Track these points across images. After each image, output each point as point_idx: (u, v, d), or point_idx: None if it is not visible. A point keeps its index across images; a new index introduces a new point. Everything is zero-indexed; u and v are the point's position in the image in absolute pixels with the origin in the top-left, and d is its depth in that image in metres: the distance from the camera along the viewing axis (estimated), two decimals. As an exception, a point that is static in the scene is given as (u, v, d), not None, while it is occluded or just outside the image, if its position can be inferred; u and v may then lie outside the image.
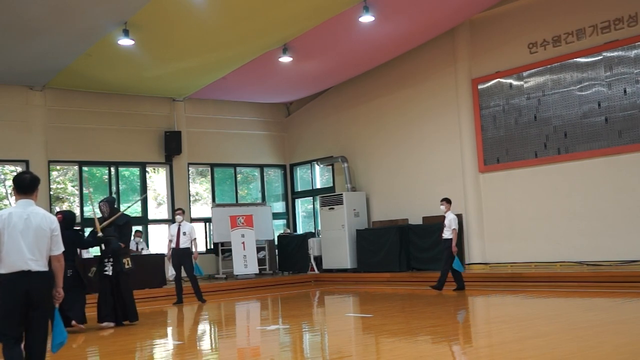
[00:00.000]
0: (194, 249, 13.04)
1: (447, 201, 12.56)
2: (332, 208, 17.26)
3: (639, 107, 12.48)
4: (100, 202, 10.40)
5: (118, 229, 10.09)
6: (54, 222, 5.07)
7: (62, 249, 5.10)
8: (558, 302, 10.31)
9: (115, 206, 10.61)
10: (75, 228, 9.98)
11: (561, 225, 13.57)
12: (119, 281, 9.93)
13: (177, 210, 13.43)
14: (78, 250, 10.86)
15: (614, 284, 11.27)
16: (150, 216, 18.09)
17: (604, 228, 12.91)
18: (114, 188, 17.26)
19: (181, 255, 12.93)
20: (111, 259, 9.91)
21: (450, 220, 12.28)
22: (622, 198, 12.71)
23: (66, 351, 8.00)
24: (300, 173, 20.31)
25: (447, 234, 12.31)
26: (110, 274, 9.89)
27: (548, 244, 13.75)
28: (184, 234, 12.93)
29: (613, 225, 12.79)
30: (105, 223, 9.98)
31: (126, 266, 9.98)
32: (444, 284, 12.41)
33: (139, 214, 17.74)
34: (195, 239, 13.13)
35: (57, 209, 16.73)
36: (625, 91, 12.66)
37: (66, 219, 9.52)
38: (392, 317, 9.51)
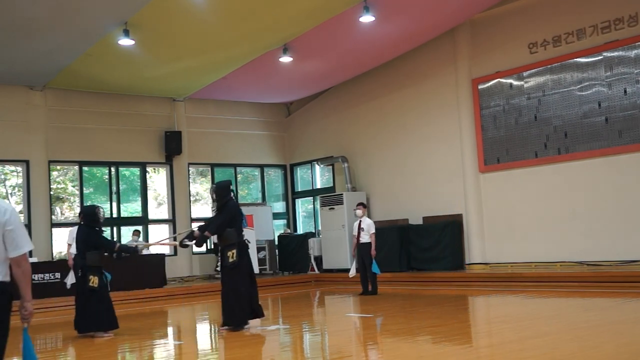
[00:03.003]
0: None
1: (363, 205, 12.94)
2: (332, 208, 17.26)
3: (639, 107, 12.48)
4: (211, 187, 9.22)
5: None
6: (7, 213, 3.92)
7: (24, 249, 3.96)
8: (558, 302, 10.31)
9: (224, 192, 8.94)
10: (93, 225, 9.10)
11: (561, 225, 13.57)
12: (225, 277, 8.72)
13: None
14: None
15: (614, 284, 11.27)
16: (151, 216, 18.09)
17: (604, 228, 12.91)
18: (114, 188, 17.27)
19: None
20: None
21: (369, 225, 12.54)
22: (622, 198, 12.71)
23: (59, 352, 8.01)
24: (301, 173, 20.31)
25: (365, 238, 12.47)
26: (220, 269, 8.82)
27: (548, 244, 13.74)
28: None
29: (613, 225, 12.79)
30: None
31: (230, 260, 8.62)
32: (376, 285, 12.51)
33: (139, 214, 17.77)
34: None
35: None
36: (625, 91, 12.66)
37: (83, 214, 9.26)
38: (392, 317, 9.52)
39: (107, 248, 9.14)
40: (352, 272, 12.78)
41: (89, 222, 9.13)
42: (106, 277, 11.40)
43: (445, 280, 14.02)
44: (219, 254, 8.73)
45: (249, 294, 8.66)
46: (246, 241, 8.91)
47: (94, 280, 8.88)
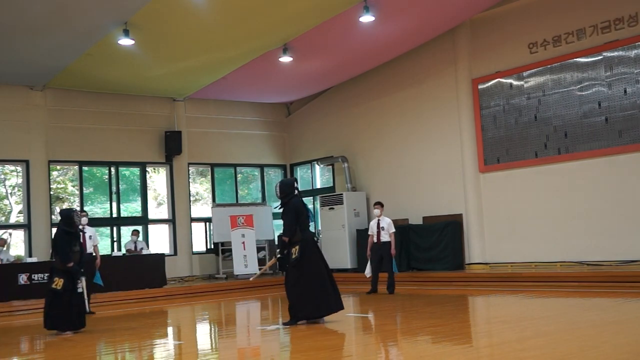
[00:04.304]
0: (97, 257, 12.10)
1: (380, 205, 12.92)
2: (332, 208, 17.26)
3: (639, 107, 12.48)
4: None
5: None
6: None
7: None
8: (558, 302, 10.30)
9: (287, 189, 8.90)
10: (67, 228, 9.18)
11: (561, 225, 13.57)
12: (287, 273, 8.85)
13: (83, 212, 12.59)
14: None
15: (614, 284, 11.27)
16: (151, 216, 18.09)
17: (604, 228, 12.91)
18: (114, 188, 17.27)
19: (85, 262, 11.09)
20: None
21: (389, 224, 12.58)
22: (622, 198, 12.71)
23: (59, 352, 8.01)
24: (301, 173, 20.31)
25: (385, 237, 12.51)
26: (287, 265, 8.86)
27: (548, 244, 13.75)
28: (90, 237, 11.95)
29: (613, 225, 12.79)
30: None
31: (293, 256, 8.69)
32: (394, 284, 12.57)
33: (139, 214, 17.77)
34: (96, 245, 12.30)
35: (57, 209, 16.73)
36: (625, 91, 12.66)
37: (60, 216, 9.34)
38: (392, 317, 9.51)
39: (61, 258, 9.12)
40: (368, 272, 12.75)
41: (64, 225, 9.19)
42: (100, 280, 11.47)
43: (445, 280, 14.02)
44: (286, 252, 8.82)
45: (311, 289, 8.67)
46: (315, 237, 8.99)
47: (58, 283, 9.02)
